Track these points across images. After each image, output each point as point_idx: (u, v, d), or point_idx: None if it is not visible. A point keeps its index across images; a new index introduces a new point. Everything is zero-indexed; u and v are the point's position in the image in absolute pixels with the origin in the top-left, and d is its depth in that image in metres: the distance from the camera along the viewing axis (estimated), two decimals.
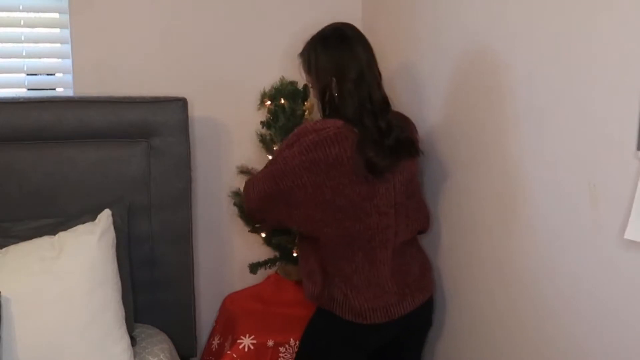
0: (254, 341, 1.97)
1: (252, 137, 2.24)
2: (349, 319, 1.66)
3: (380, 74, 1.67)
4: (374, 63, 1.65)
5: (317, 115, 2.20)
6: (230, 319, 2.17)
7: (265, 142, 2.16)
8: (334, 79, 1.62)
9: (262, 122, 2.17)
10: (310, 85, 1.70)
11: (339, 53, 1.63)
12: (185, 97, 1.98)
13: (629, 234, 1.19)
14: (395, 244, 1.68)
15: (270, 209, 1.70)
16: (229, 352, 1.98)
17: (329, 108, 1.66)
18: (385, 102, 1.65)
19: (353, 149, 1.55)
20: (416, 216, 1.76)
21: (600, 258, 1.29)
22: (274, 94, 2.13)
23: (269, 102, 2.13)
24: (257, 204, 1.72)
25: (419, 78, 1.98)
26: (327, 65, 1.64)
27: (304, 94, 2.14)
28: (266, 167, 1.71)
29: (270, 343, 1.98)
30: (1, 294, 1.58)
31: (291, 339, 1.99)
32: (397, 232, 1.68)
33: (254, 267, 2.23)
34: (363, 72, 1.60)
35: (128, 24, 2.12)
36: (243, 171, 2.20)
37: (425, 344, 1.89)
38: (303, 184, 1.59)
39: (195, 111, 2.18)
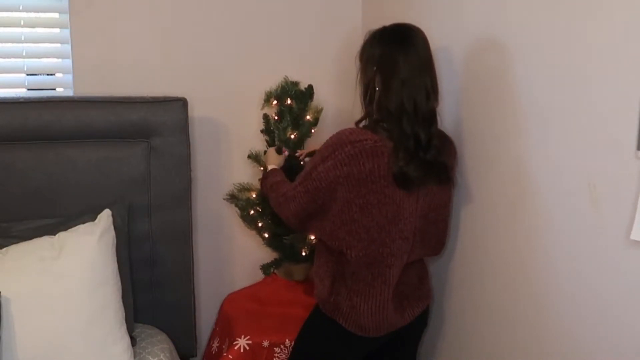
0: (249, 342, 1.97)
1: (252, 137, 2.24)
2: (351, 330, 1.66)
3: (435, 88, 1.59)
4: (428, 73, 1.57)
5: (322, 117, 2.21)
6: (227, 320, 2.17)
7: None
8: (379, 73, 1.57)
9: (262, 131, 2.17)
10: (358, 74, 1.66)
11: (391, 48, 1.57)
12: (185, 97, 1.98)
13: (636, 235, 1.18)
14: (403, 265, 1.67)
15: (308, 221, 1.69)
16: (225, 354, 1.98)
17: (370, 102, 1.61)
18: (431, 115, 1.58)
19: (387, 166, 1.52)
20: (433, 243, 1.73)
21: (601, 258, 1.29)
22: (280, 93, 2.12)
23: (275, 102, 2.13)
24: (296, 221, 1.70)
25: None
26: (376, 58, 1.58)
27: (308, 95, 2.13)
28: (300, 181, 1.65)
29: (266, 343, 1.98)
30: (1, 294, 1.58)
31: (287, 340, 1.98)
32: (410, 256, 1.66)
33: (266, 268, 2.24)
34: (411, 75, 1.54)
35: (128, 24, 2.12)
36: (250, 157, 2.20)
37: (420, 341, 1.90)
38: (336, 198, 1.57)
39: (195, 111, 2.18)
